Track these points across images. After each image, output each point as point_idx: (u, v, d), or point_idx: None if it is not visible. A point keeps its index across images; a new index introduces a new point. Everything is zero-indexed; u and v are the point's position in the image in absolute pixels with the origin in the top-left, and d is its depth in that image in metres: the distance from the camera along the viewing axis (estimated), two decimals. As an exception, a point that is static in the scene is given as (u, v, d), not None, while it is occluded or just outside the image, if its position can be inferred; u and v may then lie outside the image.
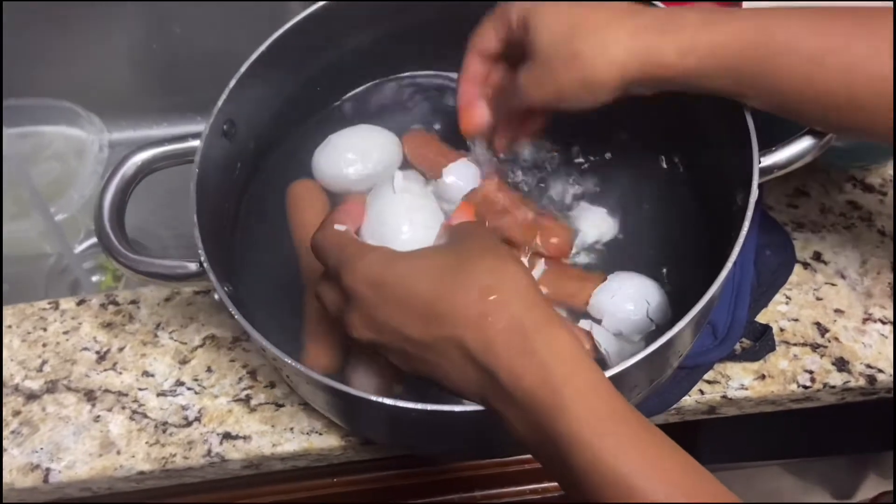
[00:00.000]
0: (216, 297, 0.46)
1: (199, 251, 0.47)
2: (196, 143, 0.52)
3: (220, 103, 0.53)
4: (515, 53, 0.50)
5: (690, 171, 0.58)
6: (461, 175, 0.57)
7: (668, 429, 0.57)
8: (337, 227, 0.45)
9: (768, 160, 0.48)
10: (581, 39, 0.46)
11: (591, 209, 0.57)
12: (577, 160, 0.60)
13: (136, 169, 0.51)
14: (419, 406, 0.42)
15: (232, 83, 0.54)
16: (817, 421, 0.62)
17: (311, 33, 0.58)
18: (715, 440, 0.70)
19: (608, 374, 0.41)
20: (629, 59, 0.45)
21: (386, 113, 0.65)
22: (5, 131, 0.91)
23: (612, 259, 0.56)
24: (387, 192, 0.55)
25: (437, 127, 0.64)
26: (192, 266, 0.48)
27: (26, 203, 0.86)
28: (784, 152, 0.48)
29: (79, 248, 0.95)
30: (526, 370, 0.37)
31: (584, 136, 0.60)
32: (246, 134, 0.57)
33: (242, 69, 0.55)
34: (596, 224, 0.57)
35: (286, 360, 0.44)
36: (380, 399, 0.43)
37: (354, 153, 0.60)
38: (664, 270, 0.55)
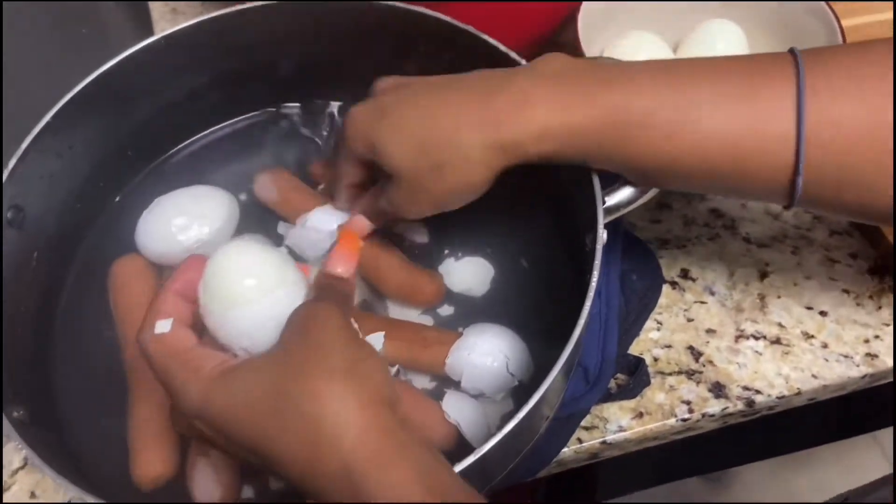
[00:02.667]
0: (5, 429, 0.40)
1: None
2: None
3: (-3, 188, 0.46)
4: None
5: (551, 213, 0.54)
6: (324, 221, 0.51)
7: (557, 477, 0.55)
8: (158, 326, 0.38)
9: (613, 199, 0.45)
10: (437, 151, 0.43)
11: (465, 259, 0.54)
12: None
13: None
14: None
15: (12, 163, 0.47)
16: (707, 440, 0.60)
17: (113, 90, 0.51)
18: (611, 473, 0.67)
19: (481, 450, 0.37)
20: (490, 155, 0.42)
21: (213, 169, 0.59)
22: None
23: (476, 308, 0.52)
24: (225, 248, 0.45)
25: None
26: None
27: None
28: (627, 189, 0.45)
29: None
30: None
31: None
32: (41, 217, 0.49)
33: (24, 145, 0.47)
34: (465, 275, 0.54)
35: (88, 498, 0.38)
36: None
37: (183, 217, 0.53)
38: (530, 316, 0.51)
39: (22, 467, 0.51)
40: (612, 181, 0.45)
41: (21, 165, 0.46)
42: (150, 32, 0.71)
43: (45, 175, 0.49)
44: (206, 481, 0.46)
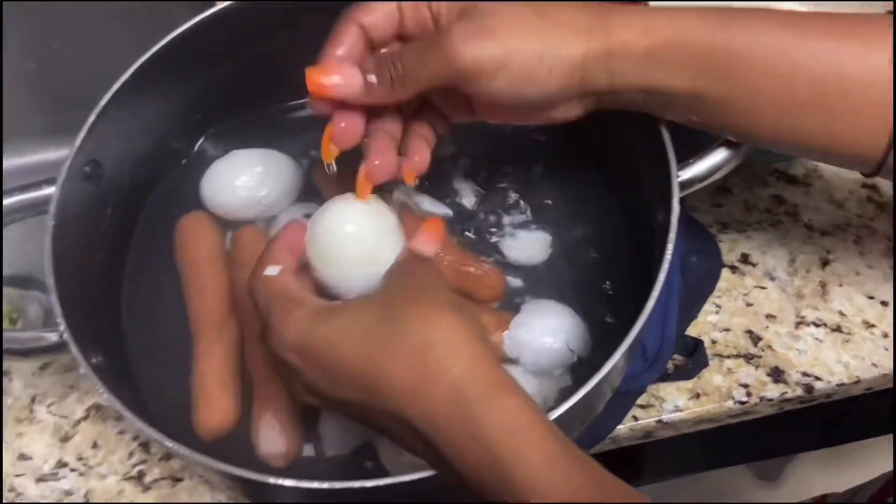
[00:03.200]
0: (82, 370, 0.41)
1: (59, 319, 0.41)
2: (50, 190, 0.45)
3: (77, 142, 0.47)
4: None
5: (616, 190, 0.54)
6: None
7: (606, 455, 0.55)
8: (268, 271, 0.39)
9: (687, 174, 0.45)
10: (546, 5, 0.39)
11: (519, 232, 0.54)
12: (500, 185, 0.55)
13: (-23, 226, 0.45)
14: (323, 485, 0.37)
15: (91, 118, 0.48)
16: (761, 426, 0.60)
17: (188, 53, 0.51)
18: (661, 455, 0.67)
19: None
20: (592, 29, 0.38)
21: (282, 135, 0.59)
22: None
23: (534, 280, 0.52)
24: (333, 207, 0.44)
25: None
26: (53, 337, 0.42)
27: None
28: (702, 164, 0.45)
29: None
30: (471, 448, 0.32)
31: (508, 161, 0.55)
32: (117, 173, 0.50)
33: (103, 102, 0.48)
34: (526, 247, 0.54)
35: (169, 444, 0.39)
36: (273, 480, 0.38)
37: (245, 178, 0.54)
38: (589, 293, 0.51)
39: (85, 418, 0.53)
40: (685, 157, 0.45)
41: (99, 122, 0.47)
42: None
43: (122, 133, 0.49)
44: (271, 434, 0.47)
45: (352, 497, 0.37)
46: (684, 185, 0.44)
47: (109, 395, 0.39)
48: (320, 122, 0.60)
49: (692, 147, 0.46)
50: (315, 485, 0.36)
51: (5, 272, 0.88)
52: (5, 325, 0.88)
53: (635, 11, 0.40)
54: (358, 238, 0.40)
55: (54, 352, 0.42)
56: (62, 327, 0.41)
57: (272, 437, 0.47)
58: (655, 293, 0.39)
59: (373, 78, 0.39)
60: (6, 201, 0.45)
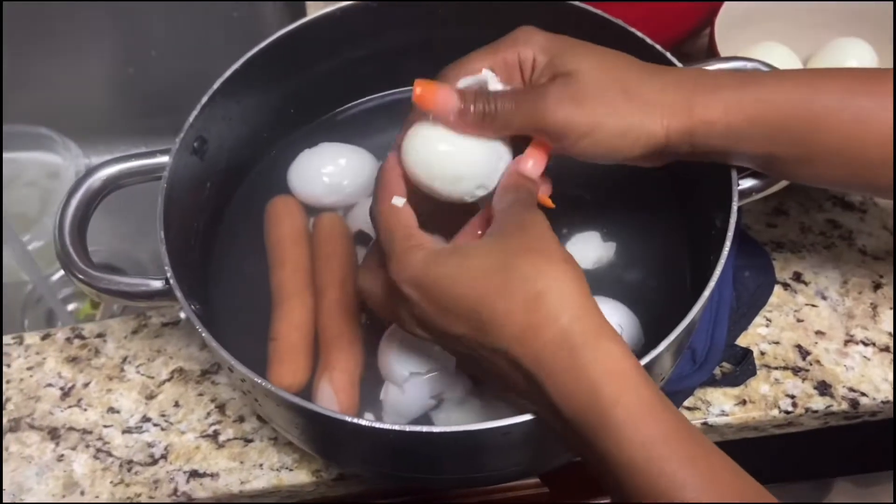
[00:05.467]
0: (183, 315, 0.45)
1: (166, 266, 0.46)
2: (165, 158, 0.50)
3: (190, 120, 0.52)
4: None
5: (675, 193, 0.57)
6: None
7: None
8: (395, 200, 0.42)
9: (746, 183, 0.47)
10: (629, 82, 0.42)
11: (584, 235, 0.57)
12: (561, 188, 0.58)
13: (102, 183, 0.50)
14: (395, 427, 0.40)
15: (204, 100, 0.53)
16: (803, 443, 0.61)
17: (287, 53, 0.57)
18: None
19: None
20: (678, 112, 0.42)
21: (364, 133, 0.64)
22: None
23: (591, 281, 0.54)
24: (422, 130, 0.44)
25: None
26: (157, 283, 0.47)
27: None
28: (761, 176, 0.47)
29: (56, 276, 0.93)
30: (574, 389, 0.35)
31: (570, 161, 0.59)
32: (217, 153, 0.56)
33: (215, 86, 0.54)
34: (592, 249, 0.56)
35: (256, 379, 0.42)
36: (351, 420, 0.41)
37: (330, 168, 0.59)
38: (643, 293, 0.54)
39: (169, 379, 0.57)
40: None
41: (209, 104, 0.53)
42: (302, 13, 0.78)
43: (226, 117, 0.55)
44: (327, 398, 0.50)
45: (428, 446, 0.40)
46: (743, 193, 0.47)
47: (208, 334, 0.43)
48: (396, 123, 0.65)
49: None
50: (388, 426, 0.40)
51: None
52: (88, 308, 0.94)
53: (719, 84, 0.43)
54: (453, 155, 0.42)
55: (158, 298, 0.46)
56: (169, 273, 0.45)
57: (328, 401, 0.51)
58: (707, 293, 0.42)
59: (470, 108, 0.42)
60: (126, 164, 0.50)
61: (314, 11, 0.80)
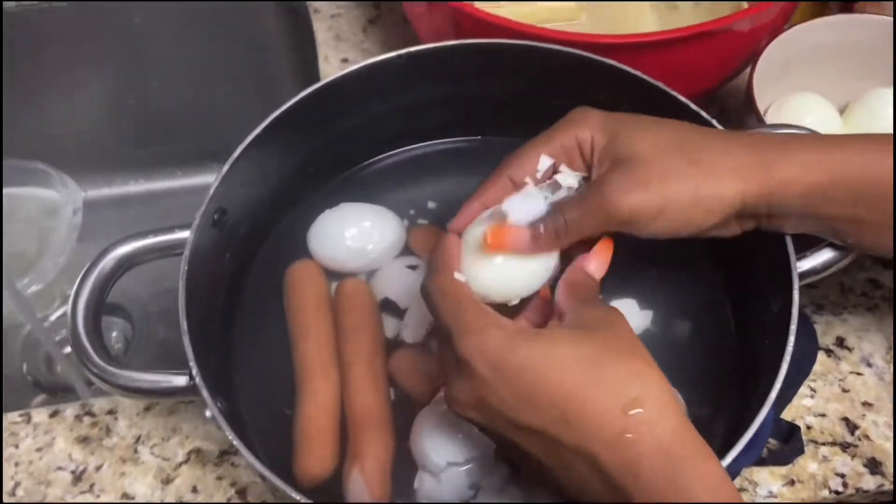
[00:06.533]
0: (208, 414, 0.42)
1: (191, 363, 0.43)
2: (185, 234, 0.47)
3: (211, 191, 0.49)
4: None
5: (723, 272, 0.54)
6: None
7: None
8: (457, 276, 0.40)
9: (804, 265, 0.45)
10: (694, 150, 0.40)
11: (620, 302, 0.54)
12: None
13: (116, 264, 0.47)
14: None
15: (225, 169, 0.50)
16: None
17: (309, 113, 0.54)
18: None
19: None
20: (752, 174, 0.40)
21: (388, 189, 0.61)
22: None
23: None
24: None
25: (431, 206, 0.60)
26: (181, 380, 0.44)
27: (-2, 273, 0.81)
28: (820, 257, 0.45)
29: (54, 316, 0.90)
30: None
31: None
32: (237, 221, 0.53)
33: (235, 154, 0.51)
34: (628, 317, 0.54)
35: (294, 495, 0.40)
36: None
37: (353, 231, 0.56)
38: (683, 364, 0.51)
39: (186, 461, 0.54)
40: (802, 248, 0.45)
41: (230, 172, 0.50)
42: (316, 77, 0.76)
43: (245, 183, 0.52)
44: (359, 490, 0.48)
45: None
46: (802, 276, 0.44)
47: (238, 441, 0.40)
48: (420, 177, 0.62)
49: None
50: None
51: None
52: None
53: (792, 146, 0.41)
54: (509, 268, 0.41)
55: (181, 395, 0.43)
56: (194, 371, 0.42)
57: (359, 494, 0.48)
58: (778, 382, 0.40)
59: (541, 230, 0.41)
60: (141, 242, 0.47)
61: (321, 31, 0.78)
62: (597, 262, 0.41)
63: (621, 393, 0.34)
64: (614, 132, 0.42)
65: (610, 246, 0.42)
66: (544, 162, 0.43)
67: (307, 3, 0.82)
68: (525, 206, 0.42)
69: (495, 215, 0.42)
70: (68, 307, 0.44)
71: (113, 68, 0.91)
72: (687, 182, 0.40)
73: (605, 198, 0.40)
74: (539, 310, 0.43)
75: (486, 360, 0.36)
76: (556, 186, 0.43)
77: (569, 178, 0.43)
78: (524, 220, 0.42)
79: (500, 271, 0.40)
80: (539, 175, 0.43)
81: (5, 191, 0.89)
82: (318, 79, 0.76)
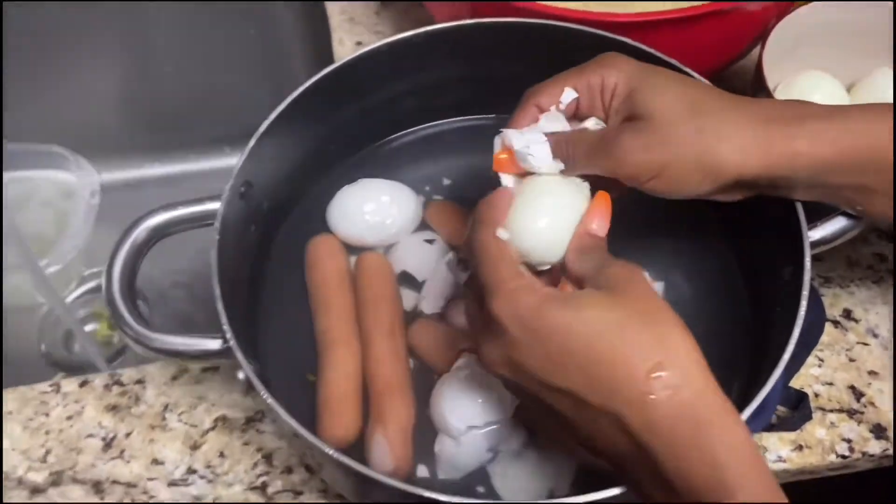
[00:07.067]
0: (241, 376, 0.44)
1: (225, 327, 0.44)
2: (215, 205, 0.49)
3: (239, 164, 0.50)
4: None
5: (734, 241, 0.56)
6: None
7: None
8: (500, 233, 0.40)
9: (815, 234, 0.46)
10: (706, 117, 0.42)
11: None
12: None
13: (148, 234, 0.48)
14: (444, 498, 0.39)
15: (252, 142, 0.51)
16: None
17: (331, 90, 0.55)
18: None
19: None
20: (756, 147, 0.41)
21: (404, 166, 0.63)
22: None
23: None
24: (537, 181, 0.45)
25: (447, 182, 0.62)
26: (214, 343, 0.45)
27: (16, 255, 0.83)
28: (830, 226, 0.47)
29: (71, 297, 0.92)
30: (696, 465, 0.34)
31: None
32: (260, 195, 0.54)
33: (261, 129, 0.52)
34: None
35: (326, 450, 0.41)
36: (423, 493, 0.40)
37: (371, 206, 0.58)
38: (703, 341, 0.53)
39: (213, 428, 0.56)
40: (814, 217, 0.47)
41: (256, 147, 0.51)
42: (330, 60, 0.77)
43: (271, 157, 0.53)
44: (381, 453, 0.49)
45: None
46: (813, 245, 0.46)
47: (272, 400, 0.41)
48: (436, 155, 0.63)
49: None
50: (447, 499, 0.38)
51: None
52: (104, 329, 0.93)
53: (799, 118, 0.42)
54: (551, 230, 0.42)
55: (214, 357, 0.45)
56: (228, 335, 0.44)
57: (382, 456, 0.49)
58: (789, 349, 0.41)
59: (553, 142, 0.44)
60: (173, 213, 0.48)
61: (334, 14, 0.80)
62: (598, 220, 0.42)
63: (646, 357, 0.35)
64: (637, 85, 0.43)
65: (606, 199, 0.43)
66: (569, 94, 0.45)
67: (320, -14, 0.83)
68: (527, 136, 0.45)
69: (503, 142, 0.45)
70: (103, 276, 0.46)
71: (127, 53, 0.92)
72: (688, 149, 0.42)
73: (610, 151, 0.42)
74: (554, 279, 0.44)
75: (517, 321, 0.37)
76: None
77: (595, 129, 0.45)
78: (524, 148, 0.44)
79: (543, 233, 0.41)
80: (562, 107, 0.45)
81: (23, 173, 0.91)
82: (332, 62, 0.79)
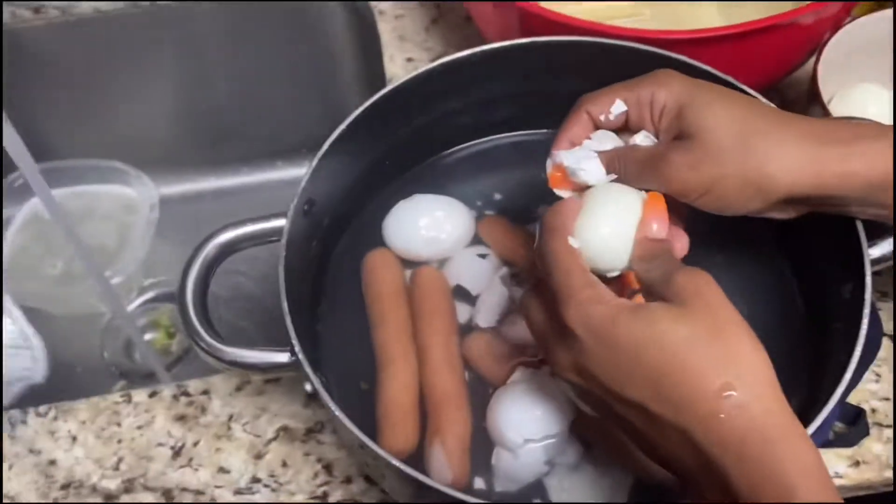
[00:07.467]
0: (308, 388, 0.45)
1: (293, 341, 0.46)
2: (281, 222, 0.51)
3: (303, 183, 0.52)
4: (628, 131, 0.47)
5: (790, 255, 0.56)
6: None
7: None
8: (571, 241, 0.41)
9: (875, 252, 0.46)
10: (756, 135, 0.42)
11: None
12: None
13: (218, 251, 0.50)
14: None
15: (315, 162, 0.53)
16: None
17: (388, 110, 0.57)
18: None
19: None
20: (807, 166, 0.42)
21: (457, 182, 0.64)
22: (55, 192, 0.91)
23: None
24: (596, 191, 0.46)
25: (498, 197, 0.63)
26: (283, 357, 0.47)
27: (79, 266, 0.86)
28: (890, 244, 0.46)
29: (131, 307, 0.95)
30: (765, 482, 0.34)
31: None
32: (321, 211, 0.56)
33: (323, 149, 0.54)
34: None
35: (392, 461, 0.43)
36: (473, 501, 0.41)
37: (426, 221, 0.59)
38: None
39: (275, 438, 0.57)
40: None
41: (319, 165, 0.53)
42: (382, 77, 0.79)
43: (331, 176, 0.55)
44: (439, 465, 0.50)
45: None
46: (873, 262, 0.46)
47: (340, 412, 0.43)
48: (488, 170, 0.65)
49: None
50: None
51: (164, 289, 0.96)
52: (163, 338, 0.96)
53: (852, 139, 0.42)
54: (614, 237, 0.42)
55: (282, 370, 0.47)
56: (297, 349, 0.45)
57: (440, 467, 0.51)
58: (852, 367, 0.41)
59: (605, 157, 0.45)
60: (241, 230, 0.51)
61: (385, 31, 0.81)
62: (655, 222, 0.42)
63: (715, 374, 0.35)
64: (686, 102, 0.44)
65: (659, 200, 0.43)
66: (619, 106, 0.46)
67: (371, 4, 0.85)
68: (577, 153, 0.46)
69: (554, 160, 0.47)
70: (177, 292, 0.48)
71: (182, 72, 0.95)
72: (736, 168, 0.42)
73: (659, 168, 0.43)
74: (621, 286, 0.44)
75: (589, 331, 0.37)
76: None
77: (645, 142, 0.46)
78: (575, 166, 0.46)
79: (606, 240, 0.42)
80: (612, 117, 0.46)
81: (85, 188, 0.95)
82: (383, 78, 0.81)
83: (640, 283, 0.42)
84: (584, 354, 0.38)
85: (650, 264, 0.41)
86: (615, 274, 0.43)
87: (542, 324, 0.41)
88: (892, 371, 0.58)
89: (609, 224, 0.42)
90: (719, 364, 0.35)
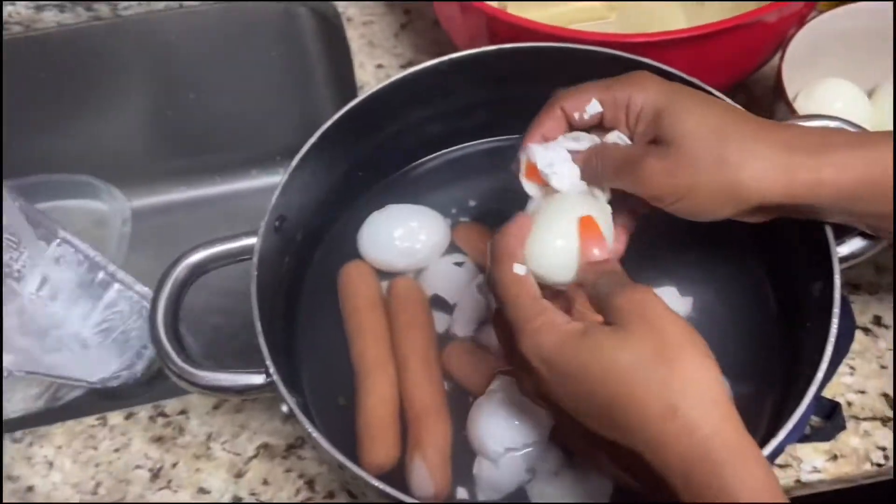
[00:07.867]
0: (284, 409, 0.45)
1: (267, 362, 0.46)
2: (251, 241, 0.50)
3: (273, 199, 0.52)
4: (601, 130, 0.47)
5: (763, 256, 0.56)
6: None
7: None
8: (517, 269, 0.41)
9: (843, 250, 0.47)
10: (730, 144, 0.42)
11: (660, 290, 0.56)
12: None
13: (188, 272, 0.50)
14: None
15: (284, 178, 0.53)
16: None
17: (359, 120, 0.57)
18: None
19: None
20: (778, 176, 0.42)
21: (432, 190, 0.64)
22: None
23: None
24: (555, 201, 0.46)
25: (472, 204, 0.63)
26: (258, 379, 0.47)
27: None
28: (856, 242, 0.47)
29: (107, 324, 0.93)
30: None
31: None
32: (293, 226, 0.55)
33: (293, 163, 0.53)
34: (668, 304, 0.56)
35: (373, 482, 0.43)
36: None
37: (401, 231, 0.59)
38: (725, 350, 0.53)
39: (255, 456, 0.57)
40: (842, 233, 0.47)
41: (289, 181, 0.52)
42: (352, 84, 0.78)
43: (299, 189, 0.54)
44: (420, 477, 0.50)
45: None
46: (841, 260, 0.46)
47: (316, 433, 0.43)
48: (460, 181, 0.64)
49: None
50: None
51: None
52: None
53: (824, 147, 0.42)
54: (565, 252, 0.43)
55: (258, 392, 0.46)
56: (271, 370, 0.45)
57: (422, 480, 0.50)
58: (823, 366, 0.42)
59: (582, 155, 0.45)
60: (211, 250, 0.50)
61: (354, 37, 0.81)
62: (595, 246, 0.43)
63: (657, 400, 0.35)
64: (663, 107, 0.44)
65: (590, 223, 0.43)
66: (595, 106, 0.46)
67: (340, 11, 0.84)
68: (551, 154, 0.46)
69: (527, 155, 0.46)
70: (148, 315, 0.47)
71: (152, 83, 0.94)
72: (711, 177, 0.42)
73: (635, 172, 0.43)
74: (566, 304, 0.45)
75: (542, 361, 0.38)
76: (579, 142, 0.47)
77: (618, 142, 0.46)
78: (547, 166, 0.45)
79: (558, 255, 0.42)
80: (587, 117, 0.46)
81: (57, 203, 0.93)
82: (354, 85, 0.80)
83: (590, 301, 0.42)
84: (542, 383, 0.39)
85: (596, 283, 0.41)
86: (566, 285, 0.44)
87: (508, 349, 0.42)
88: (866, 363, 0.58)
89: (562, 238, 0.43)
90: (662, 388, 0.35)
